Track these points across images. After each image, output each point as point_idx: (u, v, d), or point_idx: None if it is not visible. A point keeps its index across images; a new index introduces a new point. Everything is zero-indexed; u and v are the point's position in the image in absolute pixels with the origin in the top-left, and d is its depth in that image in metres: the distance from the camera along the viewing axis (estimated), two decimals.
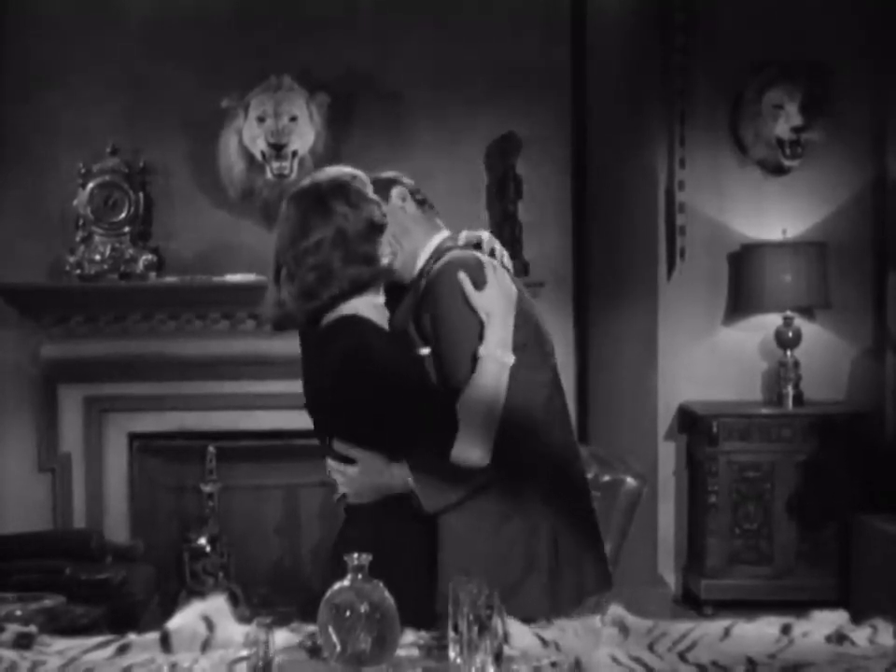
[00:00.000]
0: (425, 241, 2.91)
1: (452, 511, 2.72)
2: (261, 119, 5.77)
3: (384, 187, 2.89)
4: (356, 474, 2.73)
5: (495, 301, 2.74)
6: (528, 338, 2.81)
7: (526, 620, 2.43)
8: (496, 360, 2.70)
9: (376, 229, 2.76)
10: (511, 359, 2.72)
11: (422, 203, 2.94)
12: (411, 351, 2.79)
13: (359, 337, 2.72)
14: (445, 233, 2.94)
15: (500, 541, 2.74)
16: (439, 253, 2.87)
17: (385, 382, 2.68)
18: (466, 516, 2.73)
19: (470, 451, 2.67)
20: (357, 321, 2.75)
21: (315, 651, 2.31)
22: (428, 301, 2.77)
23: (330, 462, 2.79)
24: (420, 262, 2.88)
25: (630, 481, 5.00)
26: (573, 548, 2.83)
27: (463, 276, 2.73)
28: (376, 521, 2.74)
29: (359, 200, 2.76)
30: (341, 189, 2.76)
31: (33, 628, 2.45)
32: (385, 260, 2.78)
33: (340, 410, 2.74)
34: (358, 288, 2.75)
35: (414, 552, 2.73)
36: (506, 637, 2.25)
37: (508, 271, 2.89)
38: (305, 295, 2.75)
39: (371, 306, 2.79)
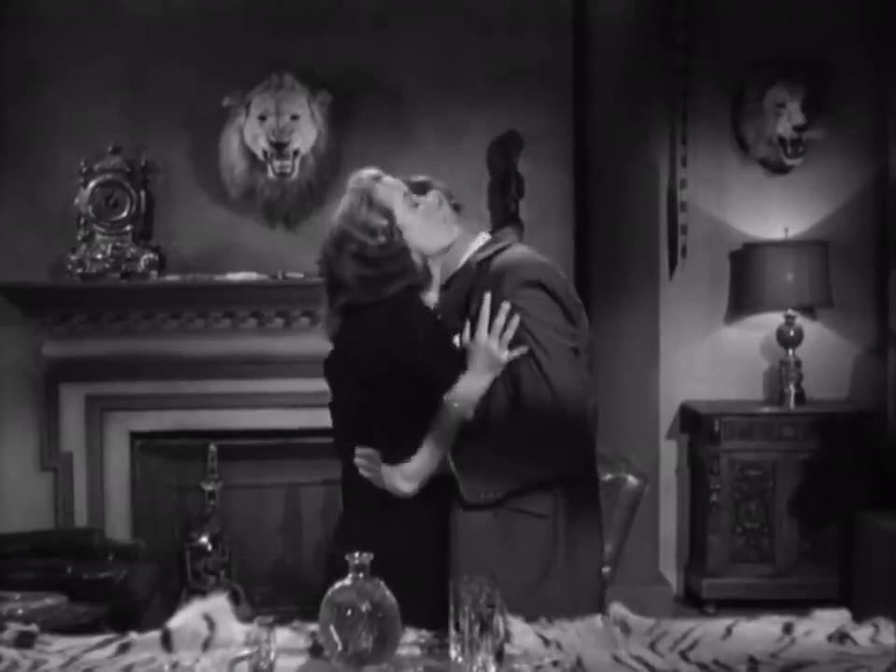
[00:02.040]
0: (467, 238, 2.89)
1: (487, 507, 2.72)
2: (263, 118, 5.77)
3: (420, 189, 2.88)
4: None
5: None
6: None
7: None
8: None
9: (392, 254, 2.79)
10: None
11: (456, 209, 2.92)
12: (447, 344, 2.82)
13: (414, 310, 2.80)
14: (486, 235, 2.92)
15: (517, 543, 2.72)
16: (496, 244, 2.86)
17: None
18: (483, 516, 2.72)
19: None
20: (415, 300, 2.82)
21: (316, 651, 2.31)
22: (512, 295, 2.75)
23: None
24: (466, 255, 2.87)
25: (632, 479, 5.01)
26: (588, 552, 2.81)
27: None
28: (382, 518, 2.75)
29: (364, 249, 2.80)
30: (345, 241, 2.81)
31: (34, 627, 2.45)
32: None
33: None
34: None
35: (425, 551, 2.72)
36: (507, 636, 2.25)
37: None
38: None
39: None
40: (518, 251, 2.85)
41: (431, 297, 2.87)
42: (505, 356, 2.70)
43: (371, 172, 2.90)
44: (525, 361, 2.71)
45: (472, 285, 2.81)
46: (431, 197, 2.88)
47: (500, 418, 2.73)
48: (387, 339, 2.75)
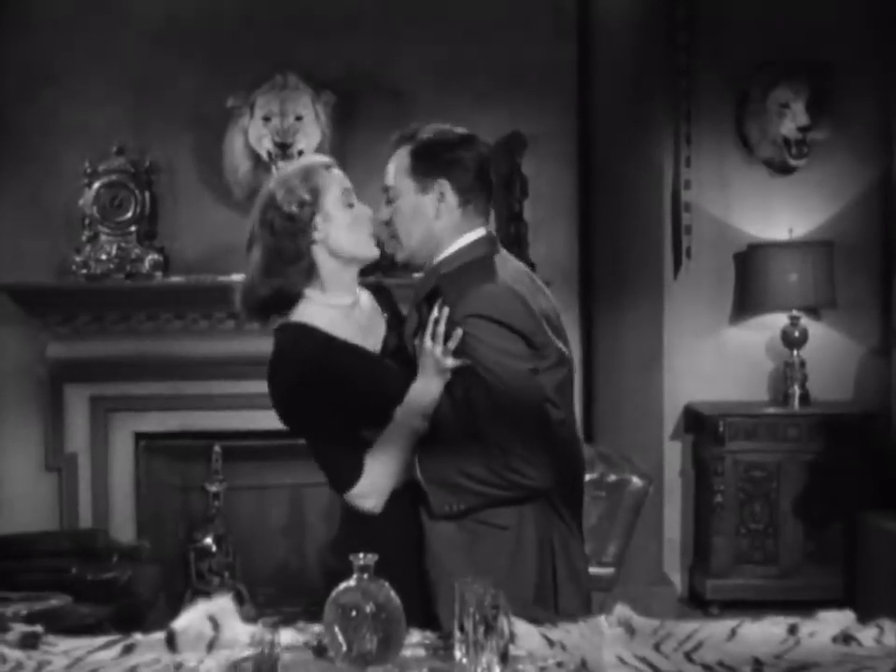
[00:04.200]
0: (453, 236, 2.82)
1: (458, 518, 2.71)
2: (267, 119, 5.77)
3: (434, 173, 2.82)
4: None
5: None
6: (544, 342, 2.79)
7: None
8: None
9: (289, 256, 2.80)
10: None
11: (466, 203, 2.83)
12: (377, 358, 2.82)
13: (288, 345, 2.78)
14: (477, 233, 2.84)
15: (482, 555, 2.70)
16: (470, 254, 2.82)
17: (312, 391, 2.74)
18: (449, 526, 2.72)
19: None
20: (294, 328, 2.79)
21: (320, 651, 2.31)
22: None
23: None
24: (442, 255, 2.82)
25: (636, 480, 5.02)
26: (568, 564, 2.80)
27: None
28: (371, 522, 2.76)
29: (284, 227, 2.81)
30: (268, 205, 2.86)
31: (38, 628, 2.45)
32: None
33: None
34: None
35: (407, 554, 2.72)
36: (512, 638, 2.25)
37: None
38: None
39: (327, 308, 2.81)
40: (478, 274, 2.77)
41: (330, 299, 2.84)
42: (450, 362, 2.69)
43: (323, 159, 2.91)
44: (475, 384, 2.69)
45: (430, 292, 2.78)
46: (432, 193, 2.81)
47: (460, 437, 2.71)
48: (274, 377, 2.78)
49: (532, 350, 2.73)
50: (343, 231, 2.80)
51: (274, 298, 2.81)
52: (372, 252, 2.84)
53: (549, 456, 2.70)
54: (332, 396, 2.72)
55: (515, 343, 2.71)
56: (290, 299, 2.81)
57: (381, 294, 2.97)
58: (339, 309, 2.82)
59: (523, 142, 5.95)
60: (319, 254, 2.80)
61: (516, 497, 2.71)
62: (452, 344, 2.69)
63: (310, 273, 2.80)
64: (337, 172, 2.86)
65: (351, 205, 2.83)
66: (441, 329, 2.70)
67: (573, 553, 2.80)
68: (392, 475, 2.73)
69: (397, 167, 2.86)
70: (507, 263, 2.85)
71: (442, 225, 2.82)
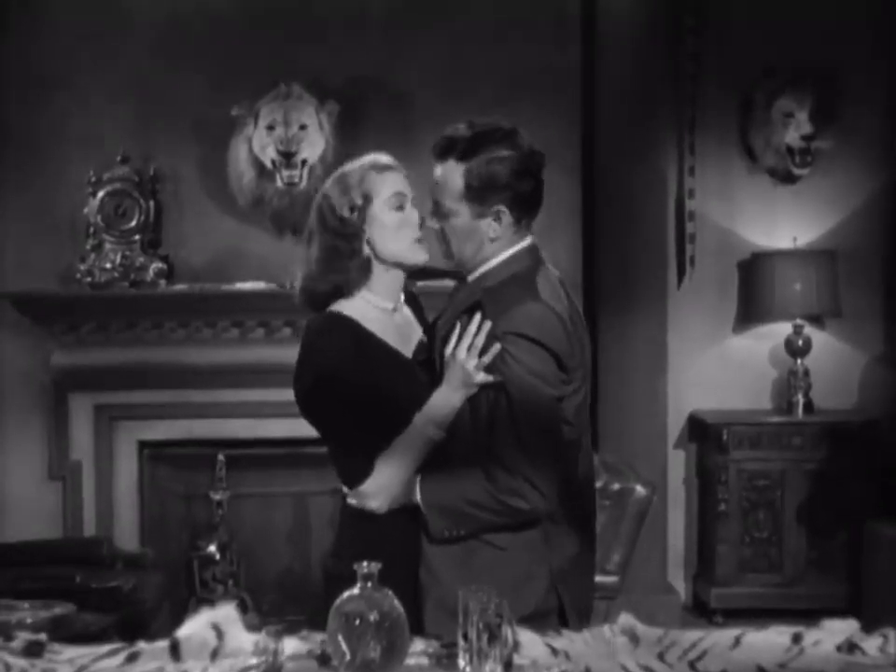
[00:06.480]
0: (502, 249, 2.80)
1: (455, 541, 2.72)
2: (271, 128, 5.78)
3: (491, 201, 2.76)
4: None
5: None
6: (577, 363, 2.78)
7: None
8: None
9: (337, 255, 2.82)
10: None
11: (520, 220, 2.79)
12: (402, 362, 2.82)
13: (323, 333, 2.80)
14: (523, 243, 2.81)
15: (476, 572, 2.67)
16: (513, 267, 2.79)
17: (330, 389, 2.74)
18: (452, 546, 2.72)
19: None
20: (333, 318, 2.81)
21: (324, 660, 2.31)
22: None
23: None
24: (487, 266, 2.80)
25: (640, 489, 5.02)
26: (568, 585, 2.79)
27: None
28: (370, 527, 2.77)
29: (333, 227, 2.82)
30: (323, 201, 2.85)
31: (43, 636, 2.45)
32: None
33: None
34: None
35: (401, 562, 2.71)
36: (516, 646, 2.25)
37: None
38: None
39: (370, 307, 2.83)
40: (522, 290, 2.74)
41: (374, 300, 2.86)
42: (480, 377, 2.68)
43: (384, 159, 2.88)
44: (500, 402, 2.68)
45: (472, 303, 2.76)
46: (489, 217, 2.75)
47: (462, 461, 2.71)
48: (302, 360, 2.83)
49: (563, 373, 2.72)
50: (387, 234, 2.82)
51: (333, 293, 2.83)
52: (417, 257, 2.85)
53: (554, 482, 2.69)
54: (358, 389, 2.72)
55: (548, 364, 2.68)
56: (346, 295, 2.83)
57: (413, 302, 2.98)
58: (380, 310, 2.85)
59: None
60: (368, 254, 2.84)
61: (515, 524, 2.70)
62: (487, 359, 2.67)
63: (366, 269, 2.82)
64: (394, 174, 2.84)
65: (401, 208, 2.83)
66: (480, 342, 2.69)
67: (571, 571, 2.79)
68: (401, 479, 2.73)
69: (448, 189, 2.77)
70: (548, 275, 2.83)
71: (496, 245, 2.80)
